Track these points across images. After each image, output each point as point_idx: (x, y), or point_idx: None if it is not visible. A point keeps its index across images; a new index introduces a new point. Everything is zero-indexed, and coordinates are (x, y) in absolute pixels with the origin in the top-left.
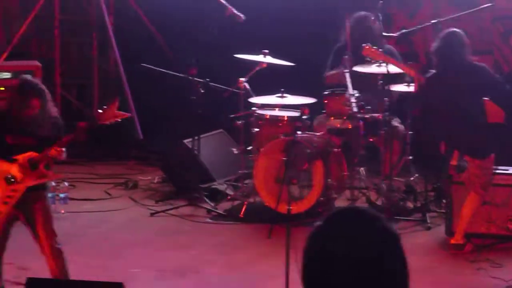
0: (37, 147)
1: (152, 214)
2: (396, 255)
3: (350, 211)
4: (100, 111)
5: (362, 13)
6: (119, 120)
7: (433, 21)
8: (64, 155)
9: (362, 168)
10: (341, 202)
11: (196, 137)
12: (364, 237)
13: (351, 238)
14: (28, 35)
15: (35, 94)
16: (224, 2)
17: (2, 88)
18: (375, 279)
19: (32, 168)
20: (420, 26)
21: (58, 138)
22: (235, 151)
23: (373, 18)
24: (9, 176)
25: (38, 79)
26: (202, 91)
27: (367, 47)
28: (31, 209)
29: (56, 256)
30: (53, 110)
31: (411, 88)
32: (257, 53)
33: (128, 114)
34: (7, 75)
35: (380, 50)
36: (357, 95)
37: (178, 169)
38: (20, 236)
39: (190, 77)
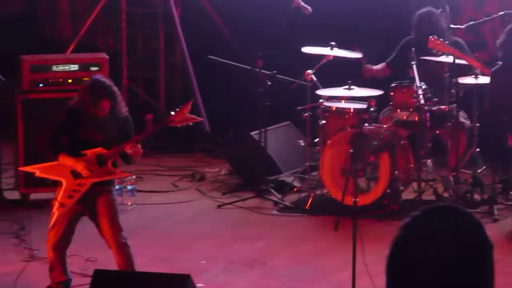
0: (106, 144)
1: (219, 206)
2: (486, 262)
3: (446, 209)
4: (172, 113)
5: (428, 8)
6: (191, 124)
7: (500, 13)
8: (140, 153)
9: (429, 160)
10: (407, 195)
11: (263, 129)
12: (456, 238)
13: (443, 237)
14: (95, 27)
15: (106, 96)
16: None
17: (70, 81)
18: (461, 280)
19: (99, 164)
20: (487, 18)
21: (128, 137)
22: (302, 143)
23: (440, 11)
24: (76, 170)
25: (105, 72)
26: (269, 83)
27: (433, 39)
28: (96, 204)
29: (122, 250)
30: (124, 110)
31: (479, 81)
32: (324, 45)
33: (200, 119)
34: (74, 67)
35: (446, 42)
36: (424, 87)
37: (245, 161)
38: (88, 228)
39: (257, 69)
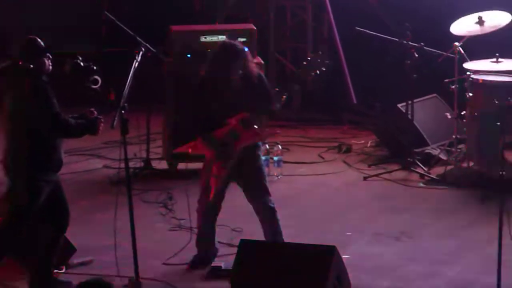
0: (246, 107)
1: (365, 178)
2: None
3: None
4: (304, 63)
5: None
6: (323, 69)
7: None
8: (283, 100)
9: None
10: None
11: (410, 102)
12: None
13: None
14: None
15: (236, 55)
16: None
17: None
18: None
19: (245, 129)
20: None
21: (266, 94)
22: (448, 116)
23: None
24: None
25: (253, 43)
26: (417, 55)
27: None
28: (245, 168)
29: (270, 215)
30: (255, 69)
31: None
32: (472, 16)
33: (330, 60)
34: (223, 38)
35: None
36: None
37: (391, 133)
38: (234, 199)
39: (405, 42)
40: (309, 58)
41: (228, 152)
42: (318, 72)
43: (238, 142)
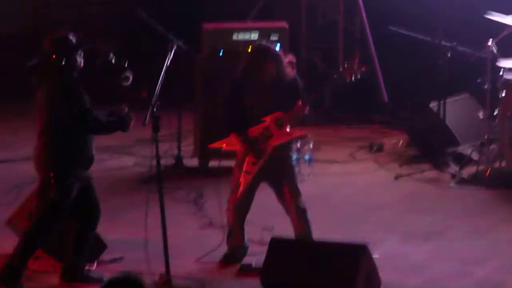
0: (279, 108)
1: (396, 178)
2: None
3: None
4: (340, 69)
5: None
6: (358, 76)
7: None
8: (306, 111)
9: None
10: None
11: (442, 101)
12: None
13: None
14: None
15: (270, 58)
16: None
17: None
18: None
19: (278, 128)
20: None
21: (298, 99)
22: (481, 115)
23: None
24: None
25: (285, 41)
26: (449, 55)
27: None
28: (277, 168)
29: (300, 215)
30: (290, 74)
31: None
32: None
33: (367, 67)
34: (254, 36)
35: None
36: None
37: (423, 133)
38: (264, 198)
39: (437, 41)
40: (346, 65)
41: (260, 149)
42: (353, 79)
43: (270, 140)
